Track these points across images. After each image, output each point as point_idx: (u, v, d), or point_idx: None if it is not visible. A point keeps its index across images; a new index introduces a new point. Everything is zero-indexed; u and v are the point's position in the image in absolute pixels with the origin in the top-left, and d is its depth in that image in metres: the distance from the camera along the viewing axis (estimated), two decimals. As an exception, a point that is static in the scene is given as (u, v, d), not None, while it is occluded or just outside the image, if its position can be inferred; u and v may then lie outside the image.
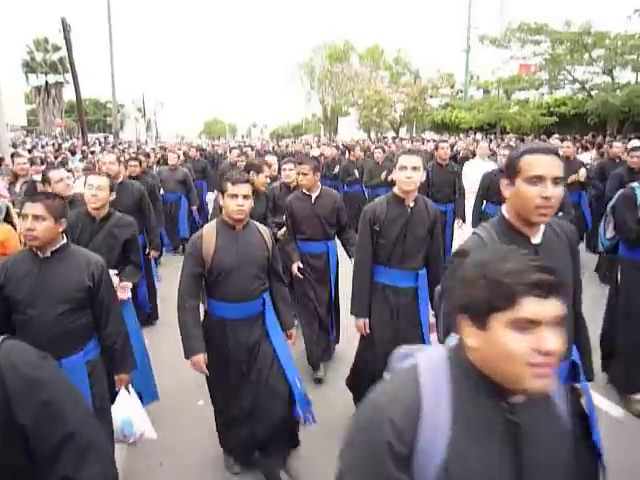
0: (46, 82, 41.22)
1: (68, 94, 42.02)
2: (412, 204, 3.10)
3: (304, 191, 4.20)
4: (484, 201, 5.58)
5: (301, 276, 4.16)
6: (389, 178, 6.83)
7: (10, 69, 38.77)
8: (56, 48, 40.75)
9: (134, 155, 8.79)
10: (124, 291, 3.22)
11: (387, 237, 3.09)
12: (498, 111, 22.22)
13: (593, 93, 18.75)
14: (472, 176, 6.38)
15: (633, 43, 16.94)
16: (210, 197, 9.37)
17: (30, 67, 41.76)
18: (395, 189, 3.13)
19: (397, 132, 33.75)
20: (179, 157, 8.83)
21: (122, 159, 6.70)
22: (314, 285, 4.19)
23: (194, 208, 8.34)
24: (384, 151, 8.93)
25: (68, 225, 2.63)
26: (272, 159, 6.08)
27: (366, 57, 38.74)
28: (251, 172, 4.37)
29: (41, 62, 42.15)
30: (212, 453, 3.23)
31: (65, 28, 16.79)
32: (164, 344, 4.77)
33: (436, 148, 6.71)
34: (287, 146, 19.83)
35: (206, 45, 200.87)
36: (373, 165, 8.41)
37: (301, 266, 4.17)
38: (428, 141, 15.23)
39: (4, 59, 40.26)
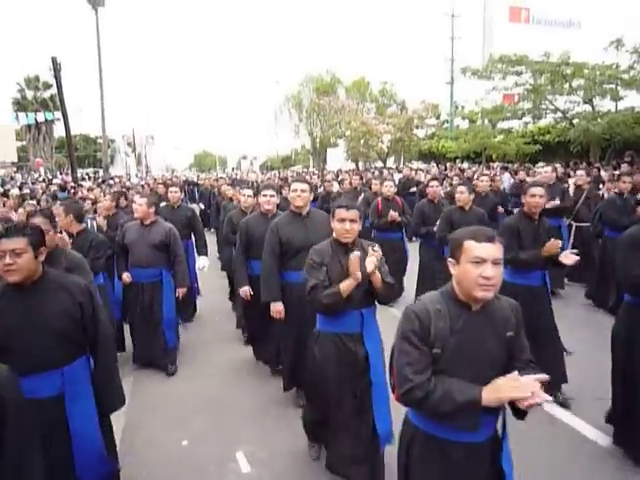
0: (36, 120, 41.48)
1: (59, 130, 42.47)
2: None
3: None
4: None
5: None
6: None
7: (1, 107, 39.11)
8: (47, 86, 41.34)
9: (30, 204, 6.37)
10: None
11: None
12: (483, 140, 22.60)
13: (575, 122, 19.19)
14: None
15: (610, 73, 17.48)
16: (203, 264, 5.86)
17: (21, 105, 42.11)
18: None
19: (385, 162, 34.20)
20: (150, 204, 4.83)
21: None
22: None
23: (180, 291, 4.85)
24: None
25: None
26: None
27: (352, 90, 39.49)
28: None
29: (32, 100, 42.59)
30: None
31: (55, 67, 17.02)
32: (147, 382, 4.68)
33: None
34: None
35: (195, 79, 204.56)
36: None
37: None
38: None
39: (-5, 97, 40.55)
